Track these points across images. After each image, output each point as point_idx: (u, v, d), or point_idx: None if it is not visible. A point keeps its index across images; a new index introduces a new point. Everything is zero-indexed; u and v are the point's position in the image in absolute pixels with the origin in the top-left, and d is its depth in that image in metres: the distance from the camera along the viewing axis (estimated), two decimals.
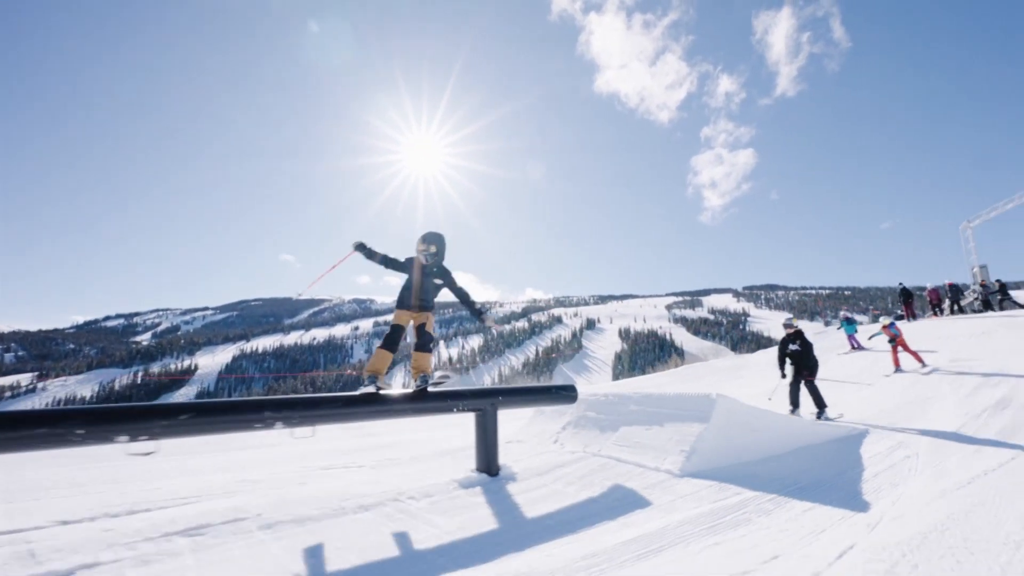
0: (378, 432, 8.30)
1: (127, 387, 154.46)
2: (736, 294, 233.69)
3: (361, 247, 4.03)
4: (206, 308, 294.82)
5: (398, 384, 5.16)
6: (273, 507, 3.17)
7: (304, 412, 3.30)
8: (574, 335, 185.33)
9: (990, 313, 17.14)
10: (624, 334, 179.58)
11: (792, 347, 7.17)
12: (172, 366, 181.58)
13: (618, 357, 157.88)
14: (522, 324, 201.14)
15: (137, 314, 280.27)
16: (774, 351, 11.85)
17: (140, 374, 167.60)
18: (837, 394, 7.92)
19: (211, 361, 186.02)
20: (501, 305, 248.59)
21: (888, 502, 3.13)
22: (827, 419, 6.39)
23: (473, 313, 4.45)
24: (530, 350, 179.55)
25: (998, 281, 19.35)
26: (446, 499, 3.45)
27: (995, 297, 18.64)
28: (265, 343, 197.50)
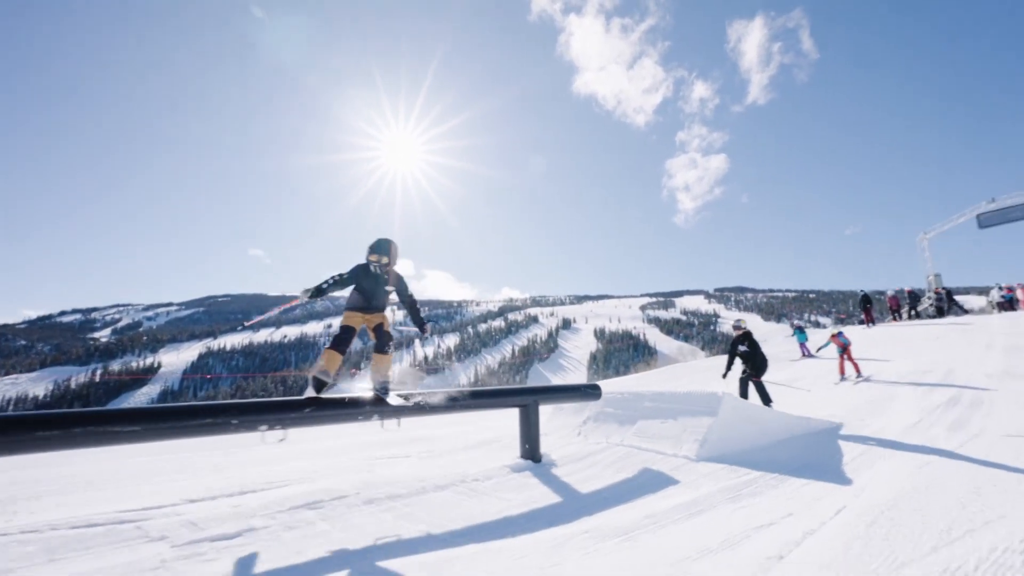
0: (390, 428, 8.79)
1: (84, 386, 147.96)
2: (708, 295, 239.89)
3: (310, 292, 3.91)
4: (170, 304, 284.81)
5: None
6: (364, 488, 3.71)
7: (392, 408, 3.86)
8: (550, 335, 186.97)
9: (940, 320, 18.69)
10: (599, 334, 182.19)
11: (742, 348, 7.50)
12: (134, 364, 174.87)
13: (593, 357, 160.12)
14: (499, 323, 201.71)
15: (95, 309, 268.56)
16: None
17: (99, 372, 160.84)
18: (794, 398, 8.74)
19: (176, 359, 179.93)
20: (478, 304, 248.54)
21: (866, 478, 3.90)
22: None
23: (417, 324, 4.39)
24: (506, 349, 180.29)
25: (944, 289, 21.07)
26: (505, 480, 4.07)
27: (944, 303, 20.31)
28: (233, 341, 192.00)
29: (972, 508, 2.97)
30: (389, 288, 4.14)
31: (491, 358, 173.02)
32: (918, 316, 20.55)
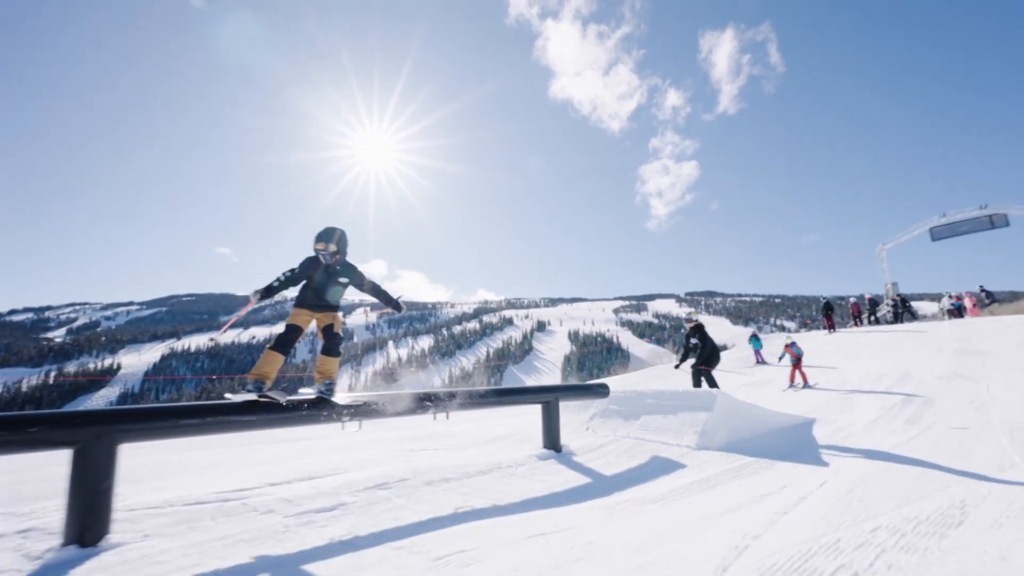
0: (400, 427, 9.30)
1: (37, 388, 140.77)
2: (679, 299, 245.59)
3: (260, 293, 3.72)
4: (131, 303, 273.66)
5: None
6: (417, 473, 4.23)
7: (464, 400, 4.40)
8: (525, 337, 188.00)
9: (897, 327, 20.20)
10: (574, 336, 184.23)
11: (693, 340, 7.78)
12: (91, 365, 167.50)
13: (567, 359, 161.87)
14: (473, 325, 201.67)
15: (49, 308, 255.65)
16: (723, 356, 13.65)
17: (53, 374, 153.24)
18: (768, 399, 9.65)
19: (136, 360, 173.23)
20: (452, 306, 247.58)
21: (840, 462, 4.64)
22: None
23: (391, 304, 4.20)
24: (481, 351, 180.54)
25: (900, 296, 22.73)
26: (537, 466, 4.65)
27: (900, 310, 21.93)
28: (198, 341, 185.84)
29: (924, 481, 3.72)
30: (343, 280, 3.90)
31: (466, 360, 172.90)
32: (877, 322, 22.10)
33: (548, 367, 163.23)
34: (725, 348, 18.35)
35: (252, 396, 3.39)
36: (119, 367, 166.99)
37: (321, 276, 3.83)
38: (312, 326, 3.92)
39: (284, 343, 3.65)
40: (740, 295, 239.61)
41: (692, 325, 7.91)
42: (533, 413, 8.41)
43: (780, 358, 12.06)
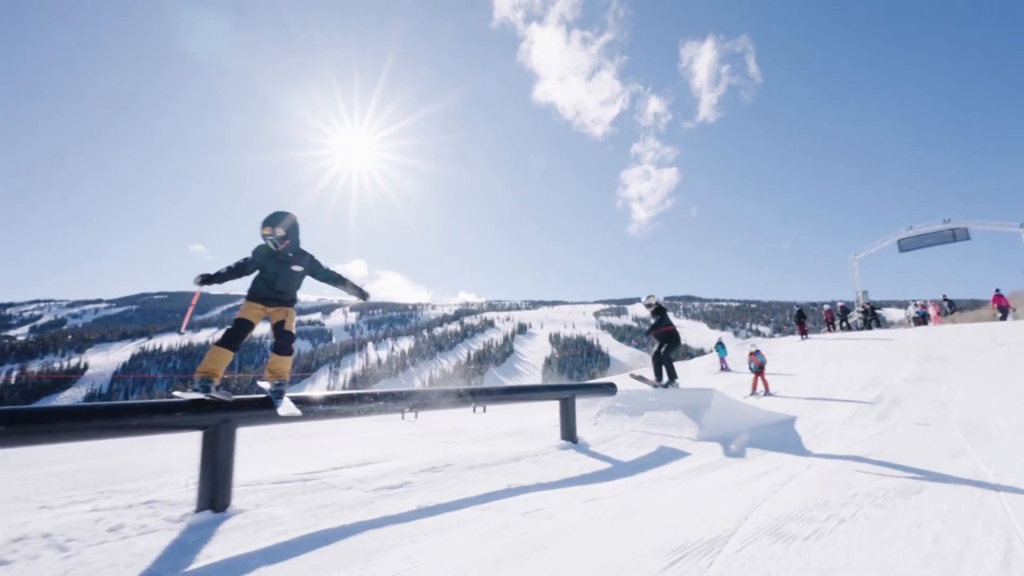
0: (413, 423, 9.78)
1: None
2: None
3: (202, 277, 3.48)
4: (99, 300, 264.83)
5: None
6: (458, 460, 4.78)
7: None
8: (506, 339, 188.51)
9: (866, 334, 21.46)
10: (554, 339, 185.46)
11: (652, 322, 7.70)
12: (56, 364, 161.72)
13: (548, 362, 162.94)
14: (454, 327, 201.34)
15: (11, 304, 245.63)
16: (698, 361, 14.45)
17: (14, 373, 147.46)
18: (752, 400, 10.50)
19: (104, 360, 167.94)
20: (433, 307, 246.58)
21: (821, 450, 5.36)
22: (675, 387, 7.28)
23: (355, 292, 3.99)
24: (462, 353, 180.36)
25: (870, 303, 24.12)
26: (560, 454, 5.25)
27: (870, 317, 23.28)
28: (170, 341, 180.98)
29: (892, 464, 4.44)
30: (296, 269, 3.69)
31: (446, 362, 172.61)
32: (848, 328, 23.39)
33: (529, 369, 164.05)
34: (703, 353, 19.23)
35: (199, 395, 3.18)
36: (86, 367, 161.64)
37: (272, 265, 3.63)
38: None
39: (232, 338, 3.46)
40: (718, 300, 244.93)
41: (652, 308, 7.79)
42: (532, 413, 9.02)
43: (750, 366, 12.14)
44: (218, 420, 3.10)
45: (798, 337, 20.90)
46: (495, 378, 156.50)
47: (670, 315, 7.92)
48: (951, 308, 22.02)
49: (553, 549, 2.19)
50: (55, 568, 2.31)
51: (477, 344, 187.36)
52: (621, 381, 17.59)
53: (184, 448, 6.32)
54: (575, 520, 2.68)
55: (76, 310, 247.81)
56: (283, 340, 3.70)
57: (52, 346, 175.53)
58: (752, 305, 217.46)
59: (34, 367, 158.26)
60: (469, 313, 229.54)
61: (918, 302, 23.14)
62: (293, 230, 3.66)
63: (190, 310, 4.04)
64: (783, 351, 16.43)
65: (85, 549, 2.50)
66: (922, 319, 21.91)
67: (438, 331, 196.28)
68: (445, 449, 5.65)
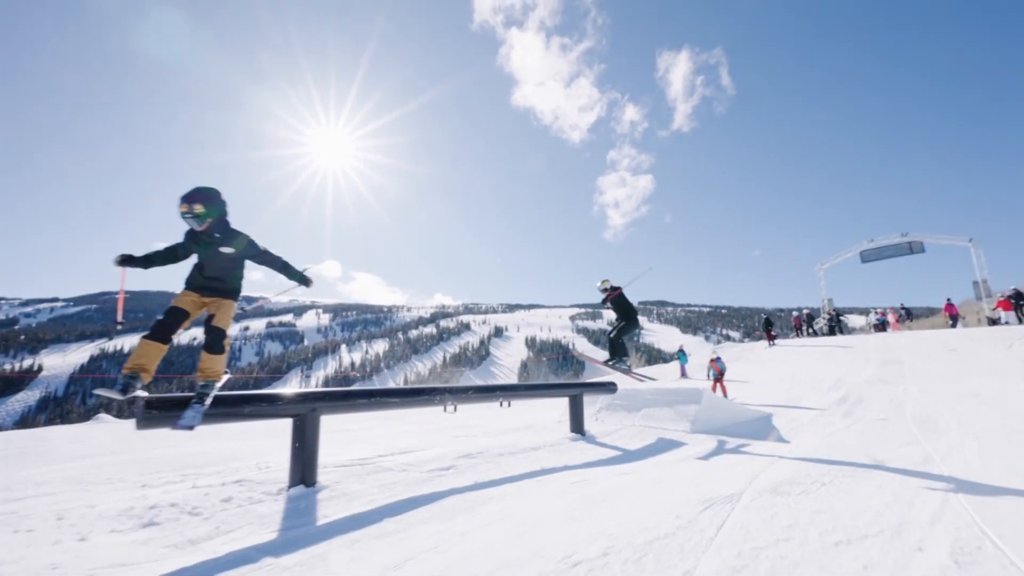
0: (425, 420, 10.26)
1: None
2: None
3: (122, 257, 3.17)
4: (55, 299, 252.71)
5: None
6: (485, 450, 5.36)
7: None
8: (482, 342, 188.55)
9: (831, 340, 22.89)
10: (530, 343, 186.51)
11: (609, 305, 7.69)
12: (7, 366, 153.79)
13: (524, 365, 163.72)
14: (430, 330, 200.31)
15: None
16: (661, 367, 15.20)
17: None
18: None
19: (61, 361, 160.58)
20: (409, 310, 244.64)
21: (797, 441, 6.16)
22: (625, 365, 7.57)
23: (296, 279, 3.62)
24: (438, 356, 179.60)
25: (835, 310, 25.69)
26: (573, 444, 5.89)
27: (835, 323, 24.81)
28: (132, 342, 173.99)
29: (857, 450, 5.25)
30: (226, 251, 3.28)
31: (422, 365, 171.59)
32: (815, 334, 24.85)
33: (505, 373, 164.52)
34: (667, 360, 20.09)
35: (115, 395, 2.81)
36: (40, 368, 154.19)
37: (201, 248, 3.26)
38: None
39: (162, 329, 3.06)
40: (690, 305, 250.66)
41: (613, 295, 7.64)
42: (530, 412, 9.65)
43: (710, 373, 11.91)
44: (307, 409, 3.62)
45: (766, 343, 22.16)
46: (471, 382, 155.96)
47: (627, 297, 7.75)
48: (908, 316, 23.73)
49: (612, 502, 2.82)
50: (201, 527, 2.81)
51: (453, 347, 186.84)
52: (620, 381, 18.41)
53: (191, 446, 6.71)
54: (617, 486, 3.32)
55: (29, 309, 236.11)
56: (210, 336, 3.30)
57: (2, 346, 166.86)
58: (723, 310, 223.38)
59: None
60: (445, 316, 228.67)
61: (878, 310, 24.81)
62: (216, 207, 3.20)
63: (120, 301, 3.60)
64: (754, 355, 17.54)
65: (217, 514, 3.01)
66: (882, 326, 23.51)
67: (413, 334, 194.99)
68: (468, 441, 6.22)
